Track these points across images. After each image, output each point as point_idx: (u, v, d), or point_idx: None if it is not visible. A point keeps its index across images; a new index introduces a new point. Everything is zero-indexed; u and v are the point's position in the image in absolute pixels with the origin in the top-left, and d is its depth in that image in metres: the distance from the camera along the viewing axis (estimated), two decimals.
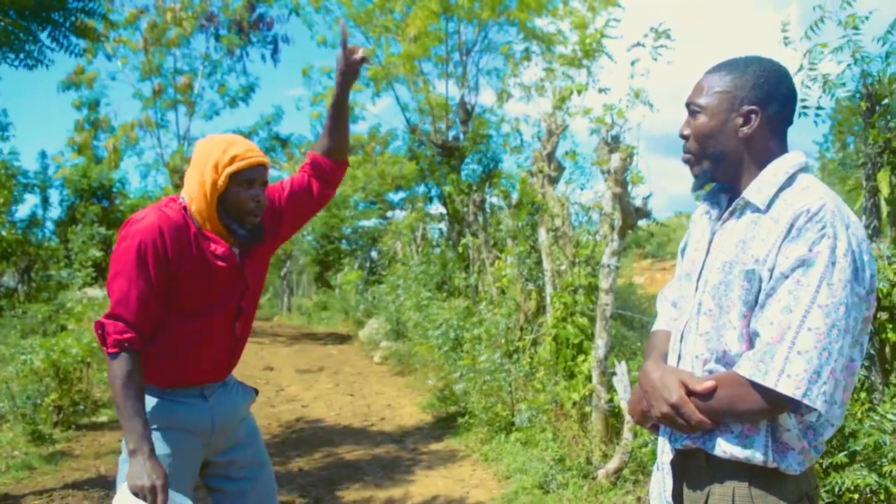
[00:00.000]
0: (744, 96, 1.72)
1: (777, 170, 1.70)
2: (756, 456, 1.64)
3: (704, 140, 1.77)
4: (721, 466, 1.69)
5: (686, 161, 1.84)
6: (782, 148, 1.75)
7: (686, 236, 2.01)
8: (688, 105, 1.82)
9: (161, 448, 2.30)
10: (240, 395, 2.56)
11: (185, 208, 2.35)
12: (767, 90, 1.71)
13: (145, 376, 2.28)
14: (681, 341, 1.80)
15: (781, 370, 1.54)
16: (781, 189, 1.67)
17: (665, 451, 1.83)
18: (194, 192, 2.34)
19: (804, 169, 1.71)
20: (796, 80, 3.82)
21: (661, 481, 1.85)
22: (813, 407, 1.54)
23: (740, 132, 1.73)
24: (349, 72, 2.55)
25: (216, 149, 2.31)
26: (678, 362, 1.81)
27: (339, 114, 2.64)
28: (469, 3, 12.38)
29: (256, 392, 2.68)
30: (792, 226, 1.58)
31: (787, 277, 1.57)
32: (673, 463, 1.80)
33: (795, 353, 1.53)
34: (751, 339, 1.64)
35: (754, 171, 1.73)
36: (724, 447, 1.66)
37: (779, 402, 1.56)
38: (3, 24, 4.96)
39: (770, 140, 1.73)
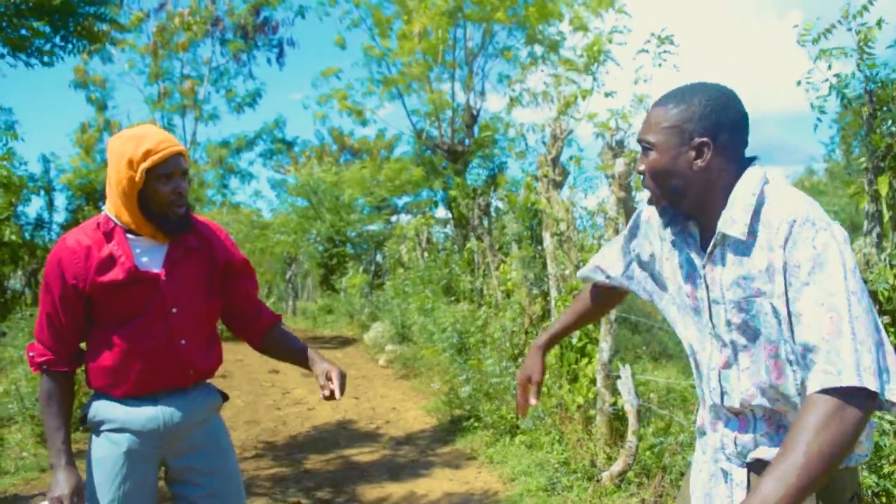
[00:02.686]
0: (692, 129, 1.68)
1: (743, 194, 1.66)
2: None
3: (659, 177, 1.73)
4: None
5: (648, 201, 1.82)
6: (740, 171, 1.71)
7: (635, 226, 2.02)
8: (639, 141, 1.77)
9: (110, 450, 2.33)
10: (200, 398, 2.48)
11: (99, 223, 2.33)
12: (716, 119, 1.67)
13: (98, 385, 2.35)
14: (720, 379, 1.79)
15: (857, 364, 1.45)
16: (756, 212, 1.65)
17: (732, 467, 1.81)
18: (114, 192, 2.30)
19: (767, 182, 1.68)
20: (807, 81, 3.90)
21: (721, 489, 1.83)
22: (888, 399, 1.47)
23: (695, 166, 1.68)
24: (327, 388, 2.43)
25: (128, 146, 2.25)
26: (722, 399, 1.80)
27: (297, 361, 2.60)
28: (480, 4, 12.42)
29: (225, 397, 2.61)
30: (786, 240, 1.57)
31: (808, 285, 1.54)
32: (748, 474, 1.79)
33: (860, 344, 1.47)
34: (779, 368, 1.65)
35: (720, 201, 1.70)
36: None
37: (864, 402, 1.46)
38: (20, 27, 5.02)
39: (727, 167, 1.70)
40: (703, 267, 1.75)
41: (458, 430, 6.81)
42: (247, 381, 9.99)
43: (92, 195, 16.43)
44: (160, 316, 2.34)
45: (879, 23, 3.83)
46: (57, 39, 5.48)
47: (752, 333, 1.68)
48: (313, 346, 14.09)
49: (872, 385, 1.44)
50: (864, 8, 3.85)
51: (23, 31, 5.15)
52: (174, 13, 17.26)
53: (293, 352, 2.60)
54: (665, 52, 4.79)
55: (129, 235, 2.34)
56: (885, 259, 3.80)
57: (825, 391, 1.47)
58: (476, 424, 6.56)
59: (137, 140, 2.26)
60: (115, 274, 2.28)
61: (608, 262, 2.15)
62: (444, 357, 8.72)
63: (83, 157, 17.74)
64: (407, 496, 5.20)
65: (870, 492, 3.23)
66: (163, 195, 2.27)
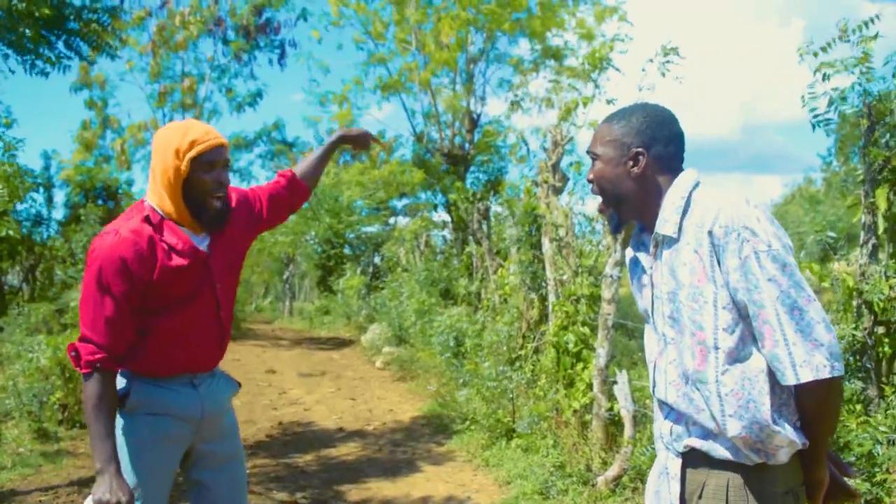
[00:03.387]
0: (630, 142, 1.91)
1: (674, 198, 1.86)
2: (751, 457, 1.77)
3: (603, 184, 1.96)
4: (715, 461, 1.82)
5: (599, 209, 2.03)
6: (674, 179, 1.91)
7: (630, 282, 2.16)
8: (588, 153, 2.01)
9: (148, 433, 2.38)
10: (224, 386, 2.61)
11: (147, 215, 2.37)
12: (651, 134, 1.90)
13: (138, 369, 2.39)
14: (654, 370, 1.97)
15: (792, 364, 1.68)
16: (684, 212, 1.83)
17: (669, 457, 1.93)
18: (159, 182, 2.37)
19: (696, 185, 1.87)
20: (810, 95, 3.95)
21: (665, 486, 1.94)
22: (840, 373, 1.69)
23: (631, 172, 1.91)
24: (358, 143, 2.99)
25: (175, 136, 2.34)
26: (654, 388, 1.97)
27: (329, 156, 2.98)
28: (492, 14, 12.46)
29: (239, 385, 2.73)
30: (712, 244, 1.75)
31: (749, 290, 1.71)
32: (682, 467, 1.89)
33: (792, 345, 1.68)
34: (703, 354, 1.78)
35: (656, 205, 1.90)
36: (721, 452, 1.80)
37: (817, 390, 1.70)
38: (24, 32, 5.05)
39: (660, 176, 1.91)
40: (650, 267, 1.94)
41: (454, 432, 6.84)
42: (243, 381, 9.93)
43: (91, 192, 16.44)
44: (209, 293, 2.46)
45: (876, 35, 3.88)
46: (61, 45, 5.52)
47: (677, 325, 1.84)
48: (309, 346, 14.14)
49: (809, 376, 1.67)
50: (865, 24, 3.90)
51: (26, 31, 5.18)
52: (175, 12, 17.27)
53: (321, 157, 2.94)
54: (669, 62, 4.83)
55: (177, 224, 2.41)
56: (880, 270, 3.84)
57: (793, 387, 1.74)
58: (472, 427, 6.60)
59: (184, 131, 2.35)
60: (179, 259, 2.36)
61: None
62: (441, 360, 8.75)
63: (83, 153, 17.75)
64: (403, 498, 5.23)
65: (864, 499, 3.27)
66: (206, 183, 2.35)
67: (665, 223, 1.85)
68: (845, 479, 1.95)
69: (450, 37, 12.50)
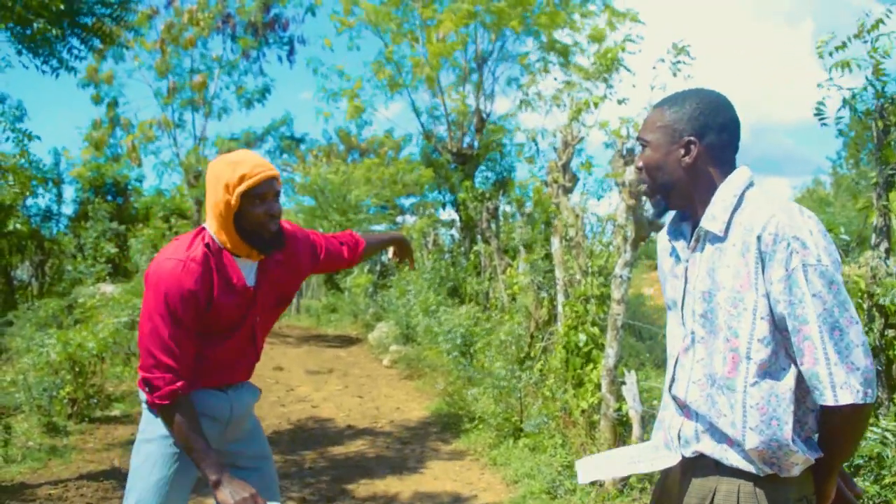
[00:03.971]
0: (682, 129, 1.84)
1: (725, 195, 1.80)
2: (763, 469, 1.75)
3: (652, 172, 1.90)
4: (727, 468, 1.80)
5: (644, 193, 1.96)
6: (727, 172, 1.85)
7: (659, 268, 2.11)
8: (637, 140, 1.96)
9: (168, 456, 2.47)
10: (250, 391, 2.70)
11: (208, 242, 2.45)
12: (704, 121, 1.83)
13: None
14: (675, 365, 1.92)
15: (832, 385, 1.65)
16: (734, 212, 1.78)
17: (672, 447, 1.93)
18: (212, 214, 2.44)
19: (750, 185, 1.82)
20: (822, 93, 3.94)
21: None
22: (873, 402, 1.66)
23: (682, 162, 1.85)
24: (404, 254, 3.23)
25: (225, 170, 2.38)
26: (671, 385, 1.92)
27: (385, 246, 3.28)
28: (499, 13, 12.46)
29: (260, 391, 2.81)
30: (759, 251, 1.70)
31: (791, 303, 1.67)
32: (683, 463, 1.90)
33: (833, 365, 1.65)
34: (735, 362, 1.74)
35: (705, 198, 1.84)
36: (733, 460, 1.77)
37: (850, 413, 1.68)
38: (36, 26, 5.07)
39: (712, 167, 1.84)
40: (687, 260, 1.88)
41: (462, 431, 6.85)
42: (251, 379, 10.02)
43: (100, 188, 16.50)
44: (250, 324, 2.56)
45: (891, 34, 3.86)
46: (74, 41, 5.54)
47: (710, 325, 1.80)
48: (317, 344, 14.16)
49: (848, 399, 1.64)
50: (880, 21, 3.88)
51: (35, 26, 5.19)
52: (183, 10, 17.31)
53: (376, 247, 3.13)
54: (680, 62, 4.82)
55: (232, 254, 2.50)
56: (893, 273, 3.83)
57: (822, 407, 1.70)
58: (480, 426, 6.60)
59: (234, 166, 2.39)
60: (232, 295, 2.45)
61: None
62: (448, 359, 8.76)
63: (93, 151, 17.81)
64: (410, 495, 5.24)
65: (871, 501, 3.27)
66: (256, 216, 2.40)
67: (713, 220, 1.79)
68: (852, 495, 1.93)
69: (449, 31, 12.50)
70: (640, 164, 1.93)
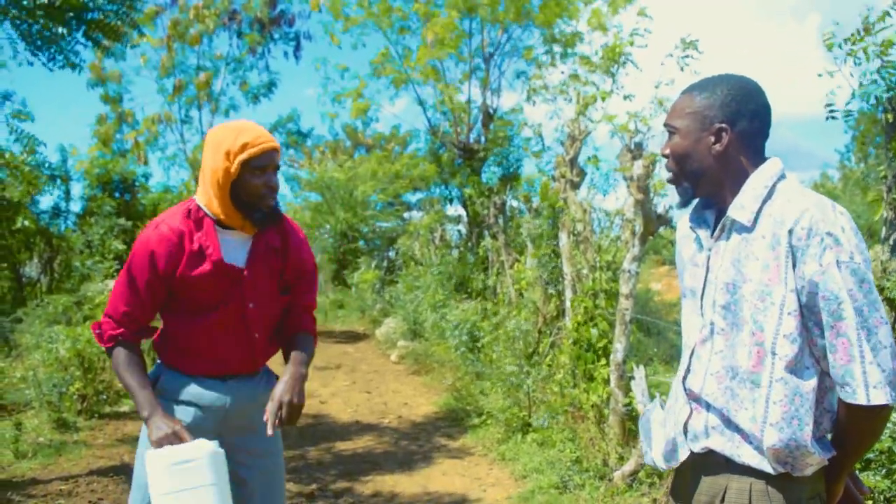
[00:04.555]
0: (713, 115, 1.79)
1: (756, 184, 1.76)
2: (776, 468, 1.73)
3: (681, 159, 1.85)
4: (738, 466, 1.77)
5: (669, 181, 1.93)
6: (757, 161, 1.81)
7: (677, 254, 2.06)
8: (665, 126, 1.90)
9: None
10: (263, 382, 2.59)
11: (190, 210, 2.40)
12: (735, 108, 1.78)
13: (169, 362, 2.48)
14: (692, 356, 1.87)
15: (866, 384, 1.62)
16: (764, 202, 1.74)
17: (680, 446, 1.90)
18: (208, 181, 2.37)
19: (782, 177, 1.78)
20: (831, 84, 3.92)
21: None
22: None
23: (713, 150, 1.79)
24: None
25: (227, 137, 2.33)
26: (687, 376, 1.89)
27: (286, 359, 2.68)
28: (493, 5, 12.46)
29: (277, 378, 2.60)
30: (790, 245, 1.66)
31: (826, 300, 1.63)
32: (692, 460, 1.87)
33: (868, 364, 1.61)
34: (760, 357, 1.71)
35: (734, 186, 1.80)
36: (746, 457, 1.75)
37: (877, 413, 1.66)
38: (42, 23, 5.08)
39: (743, 155, 1.80)
40: (710, 249, 1.84)
41: (470, 426, 6.85)
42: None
43: (108, 185, 16.54)
44: (238, 309, 2.44)
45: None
46: (79, 35, 5.54)
47: (732, 317, 1.75)
48: (324, 340, 14.19)
49: (881, 400, 1.62)
50: (887, 13, 3.86)
51: (38, 26, 5.20)
52: (189, 7, 17.32)
53: (287, 354, 2.58)
54: (688, 56, 4.81)
55: (218, 227, 2.42)
56: None
57: (848, 405, 1.67)
58: (488, 421, 6.60)
59: (236, 132, 2.34)
60: (204, 266, 2.37)
61: None
62: (456, 354, 8.76)
63: (101, 147, 17.84)
64: (419, 490, 5.24)
65: (882, 496, 3.25)
66: (255, 187, 2.35)
67: (741, 209, 1.75)
68: (860, 495, 1.91)
69: (435, 34, 12.53)
70: (667, 151, 1.89)
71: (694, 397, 1.86)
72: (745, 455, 1.74)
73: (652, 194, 5.03)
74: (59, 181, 15.99)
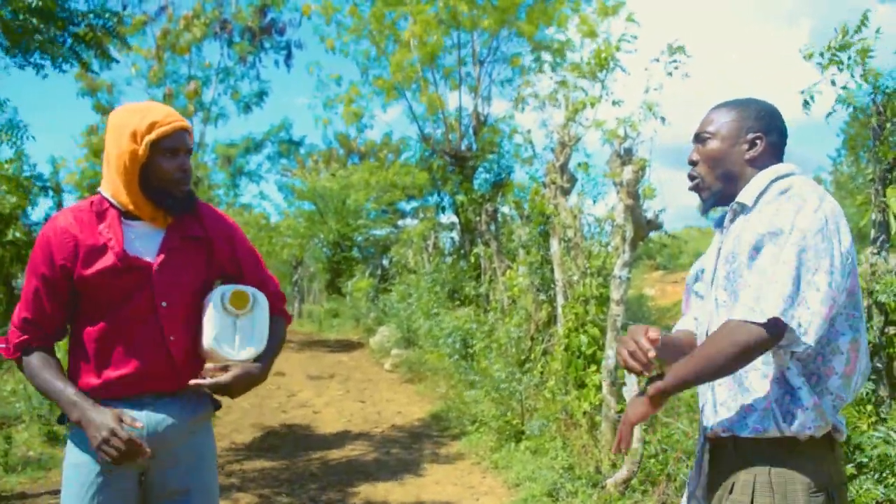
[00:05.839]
0: (749, 126, 1.97)
1: (765, 175, 1.92)
2: (769, 427, 1.79)
3: (714, 162, 1.99)
4: (744, 455, 1.84)
5: (693, 188, 2.05)
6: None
7: (697, 263, 2.19)
8: (698, 134, 2.04)
9: (83, 456, 2.11)
10: (189, 406, 2.21)
11: (93, 202, 2.16)
12: (768, 122, 1.97)
13: (82, 384, 2.11)
14: (706, 336, 1.93)
15: (757, 297, 1.72)
16: (766, 190, 1.89)
17: (700, 441, 2.00)
18: (113, 168, 2.13)
19: (791, 174, 1.91)
20: (813, 90, 3.93)
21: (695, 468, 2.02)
22: (786, 322, 1.68)
23: (746, 155, 1.96)
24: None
25: (133, 117, 2.11)
26: None
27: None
28: (475, 13, 12.51)
29: (217, 405, 2.35)
30: (768, 203, 1.83)
31: (763, 235, 1.77)
32: (708, 450, 1.96)
33: (769, 282, 1.71)
34: None
35: None
36: (751, 424, 1.82)
37: (755, 331, 1.70)
38: (29, 26, 5.06)
39: (769, 162, 1.96)
40: (721, 241, 1.98)
41: (463, 434, 6.83)
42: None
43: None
44: (148, 309, 2.14)
45: (878, 31, 3.84)
46: (69, 39, 5.52)
47: (731, 287, 1.86)
48: (318, 349, 14.14)
49: (759, 318, 1.69)
50: (862, 23, 3.86)
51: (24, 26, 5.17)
52: (179, 17, 17.30)
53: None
54: (676, 61, 4.81)
55: (125, 219, 2.16)
56: (891, 269, 3.81)
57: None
58: (481, 429, 6.58)
59: (142, 112, 2.12)
60: (105, 259, 2.10)
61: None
62: (449, 362, 8.74)
63: (90, 158, 17.81)
64: (412, 500, 5.21)
65: (874, 501, 3.24)
66: (167, 171, 2.12)
67: (746, 193, 1.91)
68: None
69: (413, 34, 12.58)
70: (696, 157, 2.03)
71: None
72: (751, 421, 1.81)
73: (642, 199, 5.02)
74: (51, 192, 15.94)
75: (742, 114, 1.98)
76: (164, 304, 2.15)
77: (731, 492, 1.83)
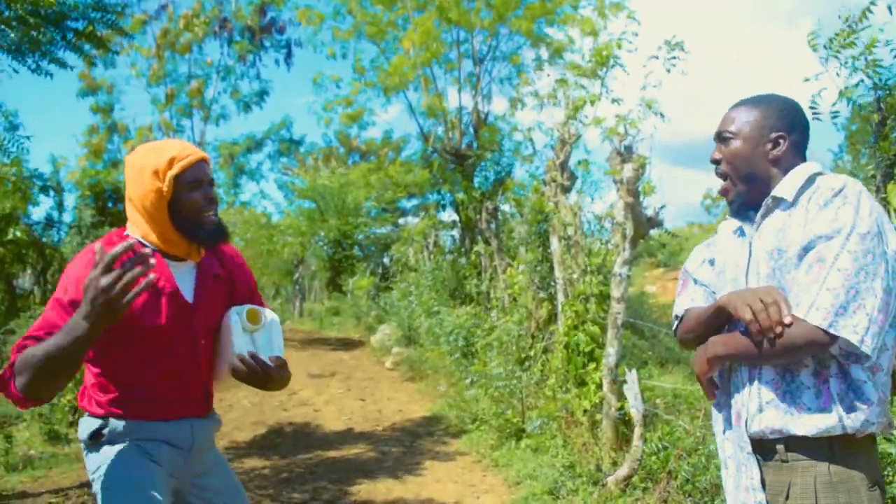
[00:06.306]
0: (772, 125, 1.94)
1: (800, 173, 1.89)
2: (831, 425, 1.73)
3: (737, 162, 1.97)
4: (797, 455, 1.78)
5: (723, 191, 2.03)
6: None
7: (701, 251, 2.18)
8: (719, 133, 2.01)
9: (135, 457, 2.10)
10: (212, 421, 2.35)
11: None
12: (791, 120, 1.94)
13: (122, 414, 2.12)
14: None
15: (811, 304, 1.69)
16: (805, 187, 1.86)
17: (737, 443, 1.90)
18: (140, 210, 2.13)
19: (821, 173, 1.89)
20: (815, 87, 3.92)
21: (741, 472, 1.89)
22: (838, 335, 1.66)
23: (770, 155, 1.94)
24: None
25: (150, 157, 2.12)
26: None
27: None
28: (472, 14, 12.53)
29: (220, 421, 2.45)
30: (823, 204, 1.77)
31: (820, 237, 1.74)
32: (755, 452, 1.86)
33: (825, 289, 1.69)
34: None
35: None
36: (805, 424, 1.75)
37: (814, 335, 1.68)
38: (25, 26, 5.04)
39: (794, 162, 1.94)
40: (751, 236, 1.95)
41: (464, 432, 6.82)
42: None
43: (101, 195, 16.49)
44: (189, 346, 2.20)
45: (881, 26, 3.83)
46: (63, 43, 5.50)
47: (779, 286, 1.81)
48: (319, 347, 14.14)
49: (816, 321, 1.67)
50: (863, 15, 3.84)
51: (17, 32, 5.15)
52: (179, 16, 17.30)
53: None
54: (674, 58, 4.80)
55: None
56: None
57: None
58: (481, 427, 6.58)
59: (159, 150, 2.14)
60: (155, 301, 2.10)
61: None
62: (450, 360, 8.74)
63: (91, 157, 17.81)
64: (412, 498, 5.21)
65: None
66: (195, 202, 2.13)
67: (783, 189, 1.88)
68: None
69: (413, 42, 12.61)
70: (718, 156, 2.01)
71: (749, 377, 1.88)
72: (805, 422, 1.75)
73: (642, 197, 5.01)
74: (51, 192, 15.95)
75: (764, 112, 1.95)
76: (203, 342, 2.23)
77: (787, 497, 1.77)
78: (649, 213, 5.06)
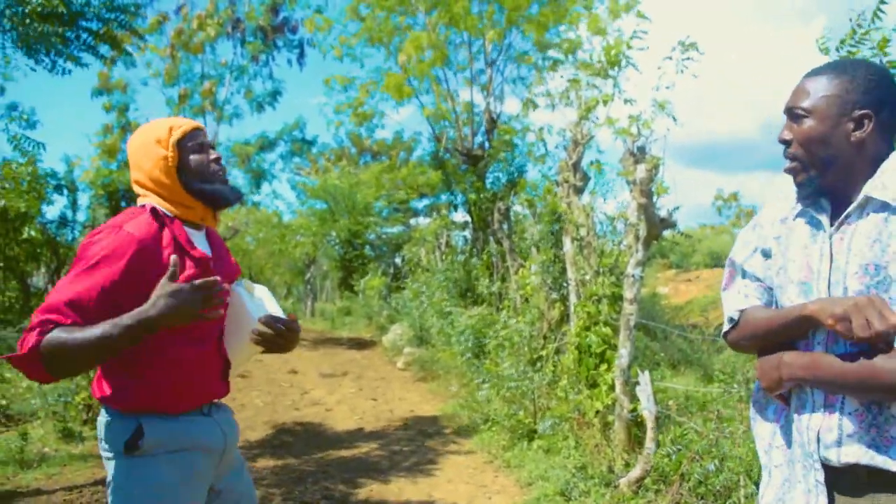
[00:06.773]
0: (856, 100, 1.64)
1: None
2: None
3: (812, 145, 1.69)
4: (878, 484, 1.60)
5: (791, 170, 1.75)
6: (890, 149, 1.68)
7: (748, 237, 1.90)
8: (790, 109, 1.73)
9: (174, 474, 2.05)
10: (228, 411, 2.34)
11: (155, 209, 2.10)
12: (879, 95, 1.65)
13: (146, 404, 2.05)
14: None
15: None
16: None
17: (800, 462, 1.72)
18: (150, 186, 2.14)
19: None
20: None
21: (794, 488, 1.73)
22: None
23: (852, 137, 1.65)
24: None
25: (149, 132, 2.16)
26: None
27: None
28: (476, 21, 12.57)
29: (233, 411, 2.44)
30: None
31: None
32: (826, 481, 1.67)
33: None
34: None
35: (865, 174, 1.65)
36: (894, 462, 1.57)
37: None
38: (42, 28, 5.08)
39: (880, 145, 1.67)
40: (831, 236, 1.68)
41: (476, 433, 6.82)
42: (266, 382, 10.06)
43: (114, 194, 16.59)
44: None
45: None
46: (86, 36, 5.53)
47: None
48: (331, 347, 14.17)
49: None
50: (875, 15, 3.82)
51: (34, 31, 5.19)
52: (193, 16, 17.36)
53: None
54: (688, 59, 4.79)
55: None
56: None
57: None
58: (493, 428, 6.58)
59: (155, 125, 2.18)
60: (188, 268, 2.09)
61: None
62: (462, 361, 8.75)
63: (104, 157, 17.90)
64: (424, 498, 5.21)
65: None
66: (203, 164, 2.16)
67: (882, 188, 1.60)
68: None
69: (409, 55, 12.67)
70: (789, 136, 1.72)
71: (829, 402, 1.67)
72: (893, 458, 1.57)
73: (655, 198, 5.00)
74: (65, 191, 16.06)
75: (847, 85, 1.64)
76: (222, 311, 2.17)
77: None
78: (662, 213, 5.05)
